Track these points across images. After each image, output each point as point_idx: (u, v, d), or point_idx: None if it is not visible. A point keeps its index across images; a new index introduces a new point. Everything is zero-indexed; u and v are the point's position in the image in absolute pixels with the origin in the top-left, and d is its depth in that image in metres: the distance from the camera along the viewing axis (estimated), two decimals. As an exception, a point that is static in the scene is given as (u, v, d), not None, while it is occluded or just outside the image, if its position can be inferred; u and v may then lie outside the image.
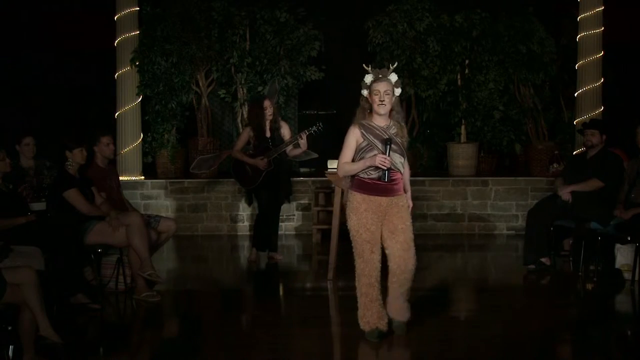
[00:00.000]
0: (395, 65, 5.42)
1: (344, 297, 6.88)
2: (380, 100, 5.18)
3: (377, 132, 5.21)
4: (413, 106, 10.78)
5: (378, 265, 5.24)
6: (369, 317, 5.28)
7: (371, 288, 5.25)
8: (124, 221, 6.39)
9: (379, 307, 5.28)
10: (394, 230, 5.21)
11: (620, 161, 7.43)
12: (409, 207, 5.34)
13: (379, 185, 5.18)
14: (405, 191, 5.36)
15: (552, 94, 10.71)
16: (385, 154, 5.11)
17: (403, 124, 5.33)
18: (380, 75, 5.24)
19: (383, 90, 5.18)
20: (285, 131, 8.00)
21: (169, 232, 6.98)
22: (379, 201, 5.20)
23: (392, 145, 5.15)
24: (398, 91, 5.25)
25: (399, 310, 5.35)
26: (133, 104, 10.22)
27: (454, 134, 10.61)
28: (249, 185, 7.98)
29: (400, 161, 5.22)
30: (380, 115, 5.21)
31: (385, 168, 5.10)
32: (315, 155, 8.66)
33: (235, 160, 8.02)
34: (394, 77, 5.25)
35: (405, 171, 5.37)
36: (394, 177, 5.19)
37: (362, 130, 5.23)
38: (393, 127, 5.24)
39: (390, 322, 5.36)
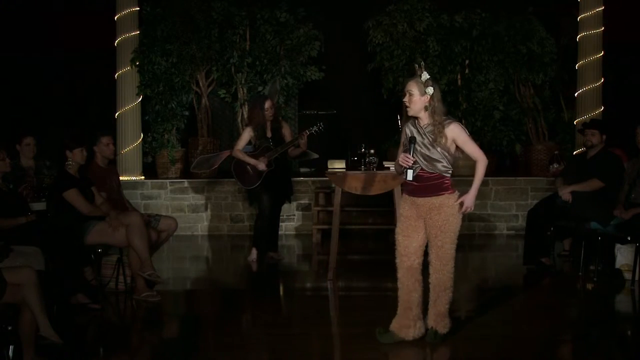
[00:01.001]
0: (422, 64, 5.22)
1: (344, 297, 6.90)
2: (404, 102, 5.14)
3: (415, 131, 5.10)
4: (413, 106, 10.78)
5: (405, 271, 5.21)
6: (396, 318, 5.30)
7: (400, 291, 5.26)
8: (124, 221, 6.39)
9: (402, 312, 5.26)
10: (430, 235, 5.17)
11: (620, 161, 7.43)
12: (461, 207, 5.14)
13: (412, 185, 5.13)
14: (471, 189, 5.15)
15: (552, 94, 10.71)
16: (409, 152, 5.04)
17: (447, 122, 5.03)
18: (413, 75, 5.16)
19: (406, 90, 5.10)
20: (286, 131, 8.02)
21: (170, 230, 6.97)
22: (415, 201, 5.15)
23: (420, 144, 5.05)
24: (429, 90, 4.99)
25: (431, 317, 5.26)
26: (133, 104, 10.22)
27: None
28: (249, 185, 7.98)
29: (439, 164, 5.05)
30: (410, 115, 5.15)
31: (406, 166, 5.03)
32: (316, 156, 8.67)
33: (236, 160, 8.02)
34: (424, 76, 5.03)
35: (479, 169, 5.12)
36: (425, 176, 5.08)
37: (406, 130, 5.18)
38: (430, 125, 5.06)
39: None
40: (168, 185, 10.12)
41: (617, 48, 10.69)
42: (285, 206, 9.06)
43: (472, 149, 5.09)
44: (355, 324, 5.74)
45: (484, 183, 9.91)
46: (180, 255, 8.94)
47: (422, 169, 5.07)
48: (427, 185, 5.10)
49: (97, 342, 5.65)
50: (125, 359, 5.33)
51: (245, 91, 10.30)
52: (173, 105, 10.28)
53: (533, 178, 10.13)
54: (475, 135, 10.48)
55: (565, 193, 7.32)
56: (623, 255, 7.12)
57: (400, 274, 5.24)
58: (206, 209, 10.09)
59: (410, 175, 5.05)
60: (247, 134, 7.97)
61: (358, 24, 10.66)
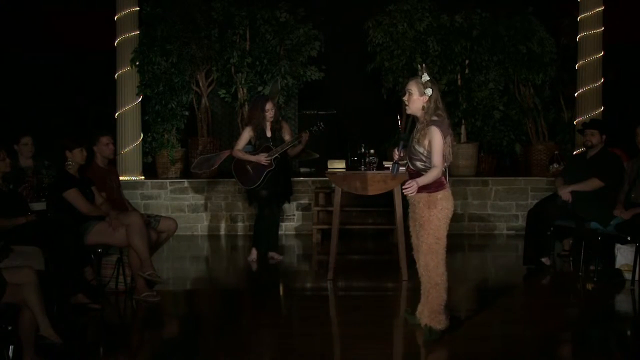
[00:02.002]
0: (423, 65, 5.40)
1: (344, 297, 6.90)
2: (404, 100, 5.32)
3: (415, 129, 5.31)
4: (413, 106, 10.77)
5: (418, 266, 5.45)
6: (419, 305, 5.53)
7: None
8: (124, 221, 6.39)
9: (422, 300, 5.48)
10: (417, 230, 5.35)
11: (620, 161, 7.43)
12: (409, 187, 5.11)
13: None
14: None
15: (552, 94, 10.71)
16: (398, 148, 5.31)
17: (432, 124, 5.14)
18: (414, 75, 5.34)
19: (406, 89, 5.28)
20: (286, 131, 8.02)
21: (169, 231, 6.98)
22: (409, 198, 5.32)
23: (409, 143, 5.26)
24: (428, 91, 5.18)
25: (425, 314, 5.37)
26: (133, 104, 10.22)
27: (454, 134, 10.59)
28: (250, 185, 7.97)
29: (418, 163, 5.20)
30: (408, 114, 5.37)
31: (394, 160, 5.29)
32: (316, 156, 8.66)
33: (236, 160, 8.02)
34: (425, 77, 5.20)
35: (431, 172, 5.14)
36: (411, 172, 5.27)
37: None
38: (420, 125, 5.24)
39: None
40: (168, 185, 10.12)
41: (617, 48, 10.69)
42: (285, 206, 9.07)
43: (434, 154, 5.13)
44: (355, 324, 5.74)
45: (484, 183, 10.01)
46: (180, 255, 8.94)
47: (409, 166, 5.28)
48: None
49: (97, 342, 5.66)
50: (125, 359, 5.33)
51: (245, 91, 10.30)
52: (173, 105, 10.27)
53: (533, 178, 10.12)
54: (475, 135, 10.50)
55: (565, 193, 7.32)
56: (623, 255, 7.11)
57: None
58: (206, 209, 10.09)
59: (394, 169, 5.29)
60: (247, 134, 7.97)
61: (358, 24, 10.66)
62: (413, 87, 5.21)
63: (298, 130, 10.28)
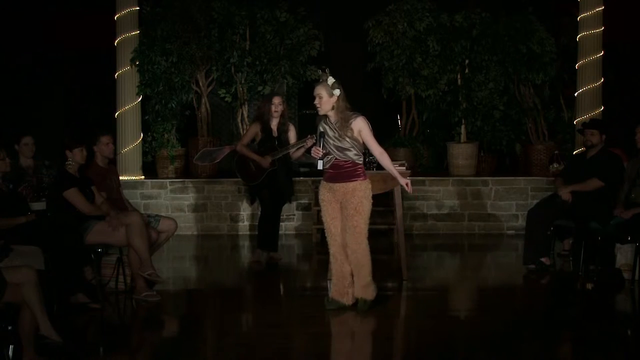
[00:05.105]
0: (327, 70, 5.89)
1: (344, 297, 6.89)
2: (315, 104, 5.84)
3: (328, 127, 5.83)
4: (413, 106, 10.78)
5: (338, 248, 5.95)
6: (333, 287, 6.04)
7: (334, 264, 6.01)
8: (124, 221, 6.39)
9: (337, 281, 6.00)
10: (346, 217, 5.83)
11: (620, 161, 7.43)
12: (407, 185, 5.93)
13: (329, 173, 5.86)
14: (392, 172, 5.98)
15: (552, 94, 10.70)
16: (318, 145, 5.80)
17: (353, 117, 5.79)
18: (320, 80, 5.84)
19: (315, 94, 5.83)
20: (292, 134, 8.00)
21: (170, 231, 6.97)
22: (332, 187, 5.87)
23: (329, 138, 5.78)
24: (336, 92, 5.77)
25: (358, 289, 5.95)
26: (133, 103, 10.22)
27: (454, 133, 10.61)
28: (251, 181, 7.97)
29: (350, 153, 5.75)
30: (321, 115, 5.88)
31: (317, 157, 5.80)
32: (319, 160, 8.64)
33: (239, 155, 8.01)
34: (330, 80, 5.81)
35: (384, 161, 5.90)
36: (340, 164, 5.78)
37: (320, 127, 5.91)
38: (338, 121, 5.79)
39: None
40: (168, 185, 10.12)
41: (617, 48, 10.68)
42: (286, 206, 9.05)
43: (372, 144, 5.86)
44: (355, 324, 5.74)
45: (483, 183, 10.01)
46: (180, 255, 8.95)
47: (336, 158, 5.80)
48: (341, 172, 5.82)
49: (97, 342, 5.66)
50: (125, 359, 5.33)
51: (245, 91, 10.30)
52: (173, 105, 10.27)
53: (533, 178, 10.12)
54: (475, 135, 10.50)
55: (565, 193, 7.33)
56: (623, 255, 7.11)
57: (334, 249, 5.98)
58: (206, 208, 10.09)
59: (320, 165, 5.79)
60: (253, 129, 7.94)
61: (358, 24, 10.66)
62: (322, 91, 5.77)
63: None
